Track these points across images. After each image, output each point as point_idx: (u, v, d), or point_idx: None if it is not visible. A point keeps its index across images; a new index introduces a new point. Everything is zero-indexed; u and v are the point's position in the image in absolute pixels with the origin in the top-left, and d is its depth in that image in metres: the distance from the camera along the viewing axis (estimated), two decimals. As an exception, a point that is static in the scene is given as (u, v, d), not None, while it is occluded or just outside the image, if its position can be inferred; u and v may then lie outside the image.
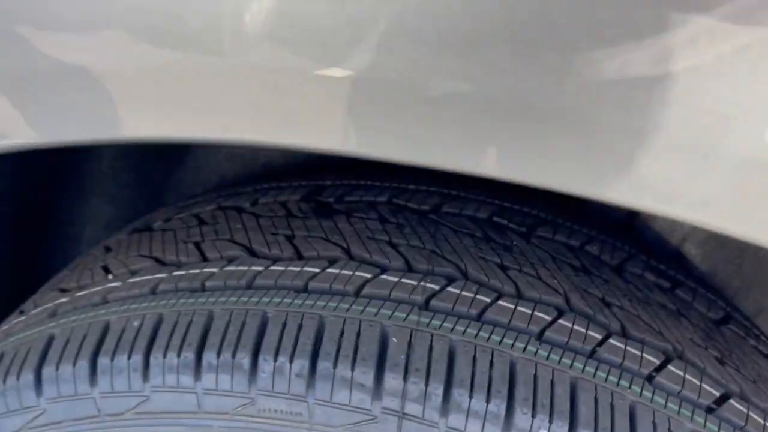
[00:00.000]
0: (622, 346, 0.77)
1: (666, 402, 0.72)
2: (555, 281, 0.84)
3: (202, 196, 1.15)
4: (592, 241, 0.97)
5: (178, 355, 0.75)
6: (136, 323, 0.80)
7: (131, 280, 0.89)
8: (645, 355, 0.77)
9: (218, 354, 0.74)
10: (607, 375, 0.73)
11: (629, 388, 0.72)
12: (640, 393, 0.72)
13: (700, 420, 0.72)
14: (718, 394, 0.76)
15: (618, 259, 0.95)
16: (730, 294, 1.18)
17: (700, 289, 0.99)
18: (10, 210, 1.34)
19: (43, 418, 0.80)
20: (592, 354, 0.75)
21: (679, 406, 0.73)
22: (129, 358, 0.77)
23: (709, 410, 0.75)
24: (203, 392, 0.74)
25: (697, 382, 0.76)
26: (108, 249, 1.04)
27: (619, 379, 0.73)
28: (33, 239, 1.41)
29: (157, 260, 0.92)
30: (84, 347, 0.80)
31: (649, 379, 0.75)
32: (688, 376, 0.76)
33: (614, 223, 1.18)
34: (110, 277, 0.93)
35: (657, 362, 0.77)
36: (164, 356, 0.76)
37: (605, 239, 0.99)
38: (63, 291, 0.95)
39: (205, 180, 1.44)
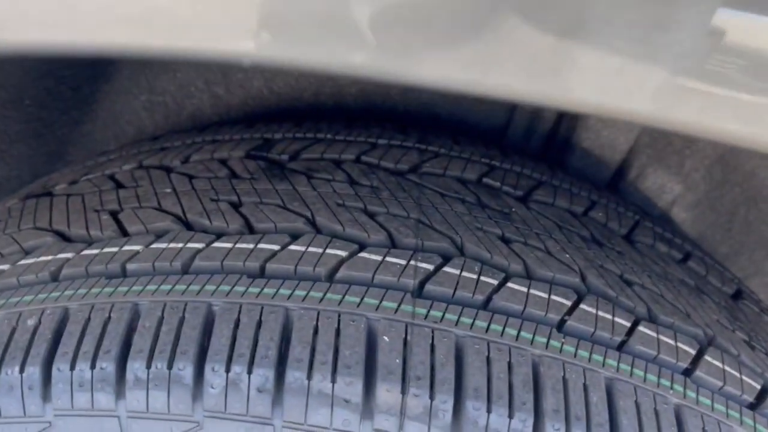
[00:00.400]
0: (654, 334, 0.63)
1: (713, 403, 0.60)
2: (567, 256, 0.69)
3: (118, 152, 0.93)
4: (596, 207, 0.83)
5: (92, 366, 0.56)
6: (31, 322, 0.60)
7: (24, 262, 0.68)
8: (679, 344, 0.64)
9: (148, 363, 0.55)
10: (645, 373, 0.59)
11: (671, 388, 0.59)
12: (684, 393, 0.59)
13: (750, 422, 0.60)
14: (758, 387, 0.65)
15: (626, 227, 0.82)
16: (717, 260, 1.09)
17: (708, 259, 0.87)
18: None
19: None
20: (622, 346, 0.61)
21: (727, 407, 0.60)
22: (22, 370, 0.57)
23: (751, 407, 0.63)
24: (129, 416, 0.55)
25: (737, 374, 0.64)
26: (-6, 219, 0.81)
27: (659, 376, 0.60)
28: None
29: (60, 235, 0.71)
30: (-42, 356, 0.59)
31: (688, 373, 0.62)
32: (726, 368, 0.64)
33: (600, 184, 1.06)
34: (-4, 257, 0.71)
35: (693, 352, 0.64)
36: (72, 367, 0.56)
37: (607, 203, 0.85)
38: (-69, 276, 0.72)
39: (119, 133, 1.21)
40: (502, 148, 0.92)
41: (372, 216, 0.69)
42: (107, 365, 0.55)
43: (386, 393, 0.53)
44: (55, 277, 0.65)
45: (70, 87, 1.14)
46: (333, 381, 0.53)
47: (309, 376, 0.54)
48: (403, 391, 0.53)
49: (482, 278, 0.63)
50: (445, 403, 0.53)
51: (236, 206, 0.70)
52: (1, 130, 1.17)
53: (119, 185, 0.79)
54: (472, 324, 0.58)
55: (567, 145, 1.09)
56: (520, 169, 0.85)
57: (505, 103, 1.06)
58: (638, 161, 1.06)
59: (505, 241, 0.69)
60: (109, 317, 0.58)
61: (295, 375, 0.54)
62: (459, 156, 0.84)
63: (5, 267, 0.68)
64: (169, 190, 0.75)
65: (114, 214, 0.72)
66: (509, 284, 0.63)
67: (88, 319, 0.59)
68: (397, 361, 0.55)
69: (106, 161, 0.90)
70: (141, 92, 1.16)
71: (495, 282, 0.63)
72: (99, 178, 0.83)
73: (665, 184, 1.07)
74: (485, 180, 0.80)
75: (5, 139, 1.18)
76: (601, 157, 1.07)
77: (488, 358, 0.56)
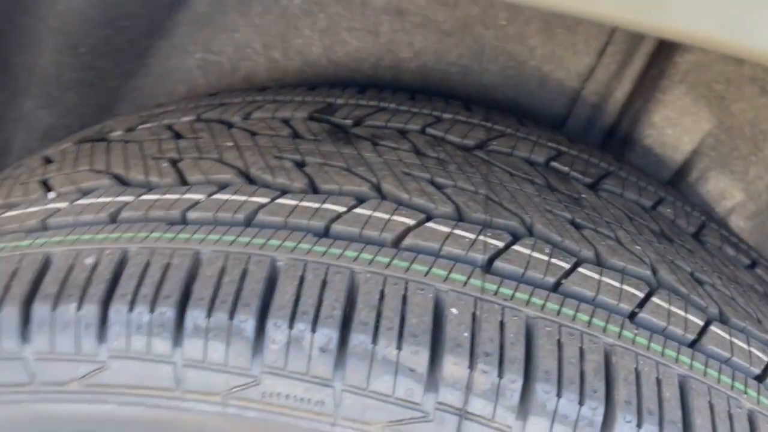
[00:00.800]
0: (726, 336, 0.61)
1: (786, 412, 0.57)
2: (638, 248, 0.66)
3: (174, 105, 0.91)
4: (664, 202, 0.80)
5: (151, 310, 0.54)
6: (90, 260, 0.58)
7: (82, 202, 0.67)
8: (752, 349, 0.61)
9: (209, 312, 0.54)
10: (719, 374, 0.57)
11: (745, 392, 0.56)
12: (758, 399, 0.56)
13: (822, 436, 0.58)
14: (830, 402, 0.62)
15: (694, 225, 0.79)
16: (771, 275, 1.05)
17: (773, 268, 0.84)
18: None
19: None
20: (694, 344, 0.59)
21: (800, 418, 0.57)
22: (79, 308, 0.55)
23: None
24: (185, 364, 0.53)
25: (809, 387, 0.61)
26: (48, 161, 0.80)
27: (733, 379, 0.57)
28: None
29: (118, 178, 0.70)
30: (13, 288, 0.58)
31: (760, 379, 0.59)
32: (799, 379, 0.61)
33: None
34: (52, 195, 0.70)
35: (766, 359, 0.61)
36: (130, 309, 0.55)
37: (674, 200, 0.82)
38: (-15, 209, 0.71)
39: (170, 90, 1.19)
40: (567, 135, 0.89)
41: (439, 188, 0.67)
42: (167, 310, 0.54)
43: (453, 366, 0.51)
44: (113, 219, 0.63)
45: (127, 39, 1.13)
46: (399, 348, 0.51)
47: (374, 341, 0.52)
48: (471, 366, 0.51)
49: (553, 260, 0.60)
50: (514, 382, 0.51)
51: (300, 165, 0.69)
52: (55, 76, 1.16)
53: (178, 135, 0.78)
54: (543, 305, 0.56)
55: (627, 141, 1.06)
56: (588, 157, 0.82)
57: (569, 93, 1.03)
58: (701, 164, 1.03)
59: (576, 226, 0.67)
60: (170, 262, 0.57)
61: (359, 338, 0.52)
62: (526, 137, 0.81)
63: (63, 205, 0.67)
64: (230, 144, 0.73)
65: (174, 163, 0.71)
66: (580, 269, 0.61)
67: (148, 262, 0.57)
68: (465, 334, 0.53)
69: (163, 112, 0.89)
70: (197, 50, 1.14)
71: (566, 265, 0.60)
72: (157, 127, 0.82)
73: (726, 190, 1.03)
74: (553, 164, 0.77)
75: (58, 86, 1.17)
76: (662, 156, 1.04)
77: (559, 342, 0.54)
